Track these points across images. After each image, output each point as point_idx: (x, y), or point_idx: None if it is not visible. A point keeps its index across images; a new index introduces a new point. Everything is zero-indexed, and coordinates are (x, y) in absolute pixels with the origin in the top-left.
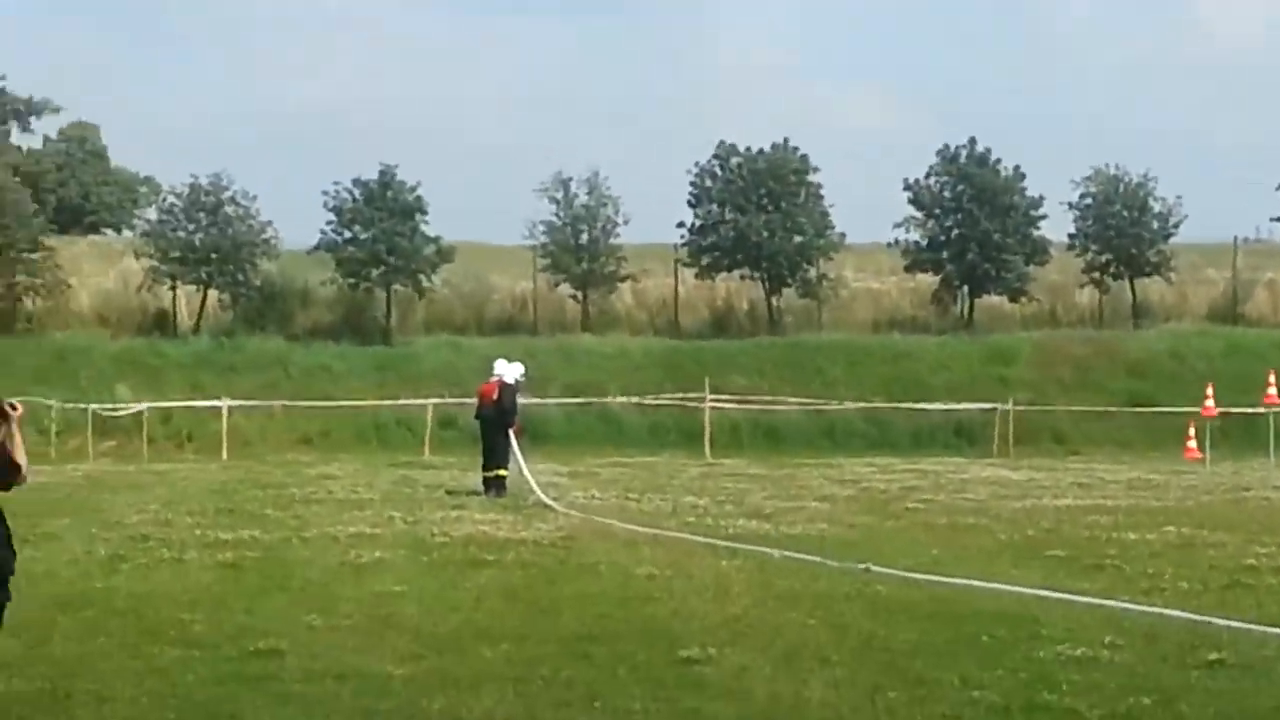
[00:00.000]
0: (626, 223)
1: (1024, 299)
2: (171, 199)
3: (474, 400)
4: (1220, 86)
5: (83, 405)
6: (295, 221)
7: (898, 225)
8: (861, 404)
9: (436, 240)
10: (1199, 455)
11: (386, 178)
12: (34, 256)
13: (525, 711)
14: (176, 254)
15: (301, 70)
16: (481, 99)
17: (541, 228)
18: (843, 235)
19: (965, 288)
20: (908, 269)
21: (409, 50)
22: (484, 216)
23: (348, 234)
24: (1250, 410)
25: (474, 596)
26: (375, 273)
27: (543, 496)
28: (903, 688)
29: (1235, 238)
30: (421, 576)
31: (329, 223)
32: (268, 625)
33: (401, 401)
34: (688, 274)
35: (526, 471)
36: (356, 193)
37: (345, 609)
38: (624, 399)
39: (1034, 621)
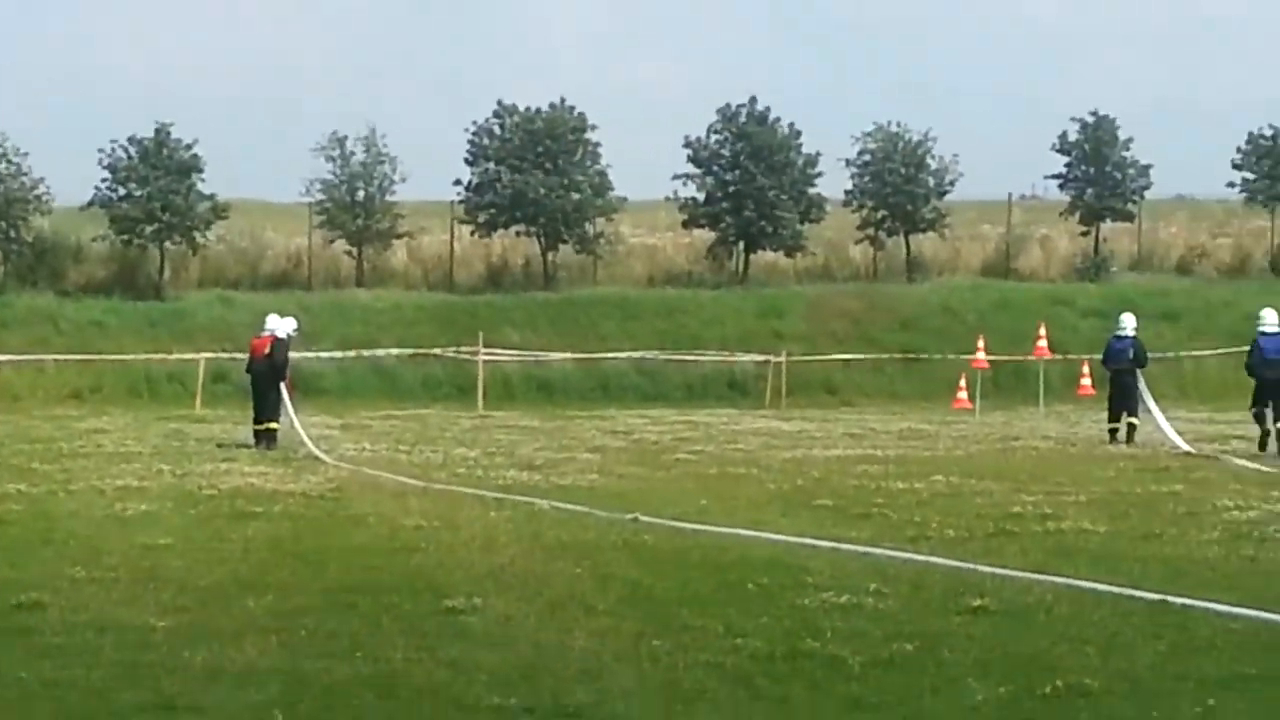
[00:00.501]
0: (404, 180)
1: (799, 255)
2: None
3: (246, 355)
4: (1001, 43)
5: None
6: (70, 179)
7: (676, 178)
8: (634, 355)
9: (211, 197)
10: (969, 405)
11: (162, 135)
12: None
13: (288, 662)
14: None
15: (78, 26)
16: (259, 56)
17: (318, 185)
18: (623, 199)
19: (741, 244)
20: (685, 225)
21: (185, 6)
22: (261, 174)
23: (122, 191)
24: (1021, 358)
25: (240, 549)
26: (149, 229)
27: (313, 448)
28: (667, 635)
29: (1010, 194)
30: (188, 529)
31: (104, 180)
32: (30, 578)
33: (174, 356)
34: (464, 231)
35: (297, 424)
36: (132, 150)
37: (109, 562)
38: (398, 351)
39: (800, 570)
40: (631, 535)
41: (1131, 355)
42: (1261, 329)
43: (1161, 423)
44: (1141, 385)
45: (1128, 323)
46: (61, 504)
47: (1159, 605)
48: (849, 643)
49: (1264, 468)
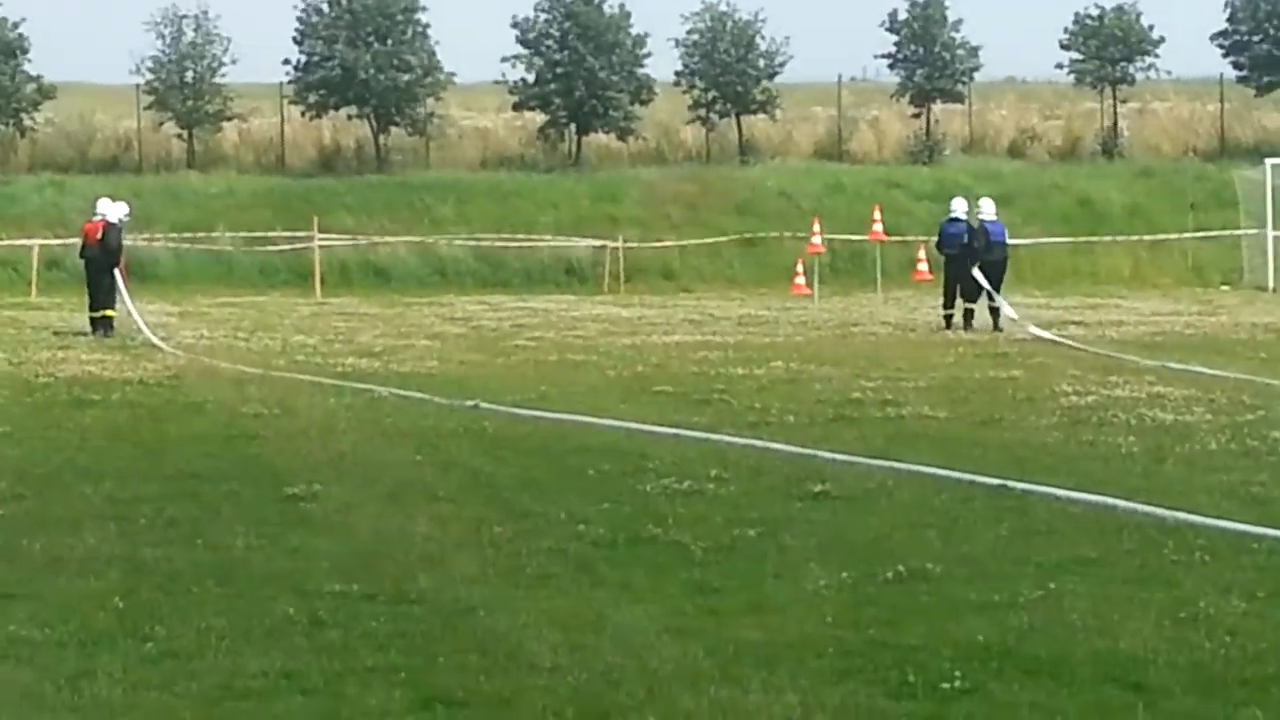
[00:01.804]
0: (235, 62)
1: (631, 137)
2: None
3: (78, 241)
4: None
5: None
6: None
7: (505, 60)
8: (471, 241)
9: (38, 79)
10: (807, 291)
11: None
12: None
13: (127, 549)
14: None
15: None
16: None
17: (148, 64)
18: (452, 75)
19: (573, 126)
20: (515, 107)
21: None
22: (90, 55)
23: None
24: (858, 239)
25: (78, 436)
26: None
27: (150, 335)
28: (509, 521)
29: (840, 76)
30: (25, 417)
31: None
32: None
33: (5, 242)
34: (295, 113)
35: (134, 311)
36: None
37: None
38: (232, 235)
39: (641, 456)
40: (472, 422)
41: (965, 240)
42: (952, 215)
43: (999, 302)
44: (975, 271)
45: (958, 206)
46: None
47: (999, 490)
48: (691, 528)
49: (1100, 351)
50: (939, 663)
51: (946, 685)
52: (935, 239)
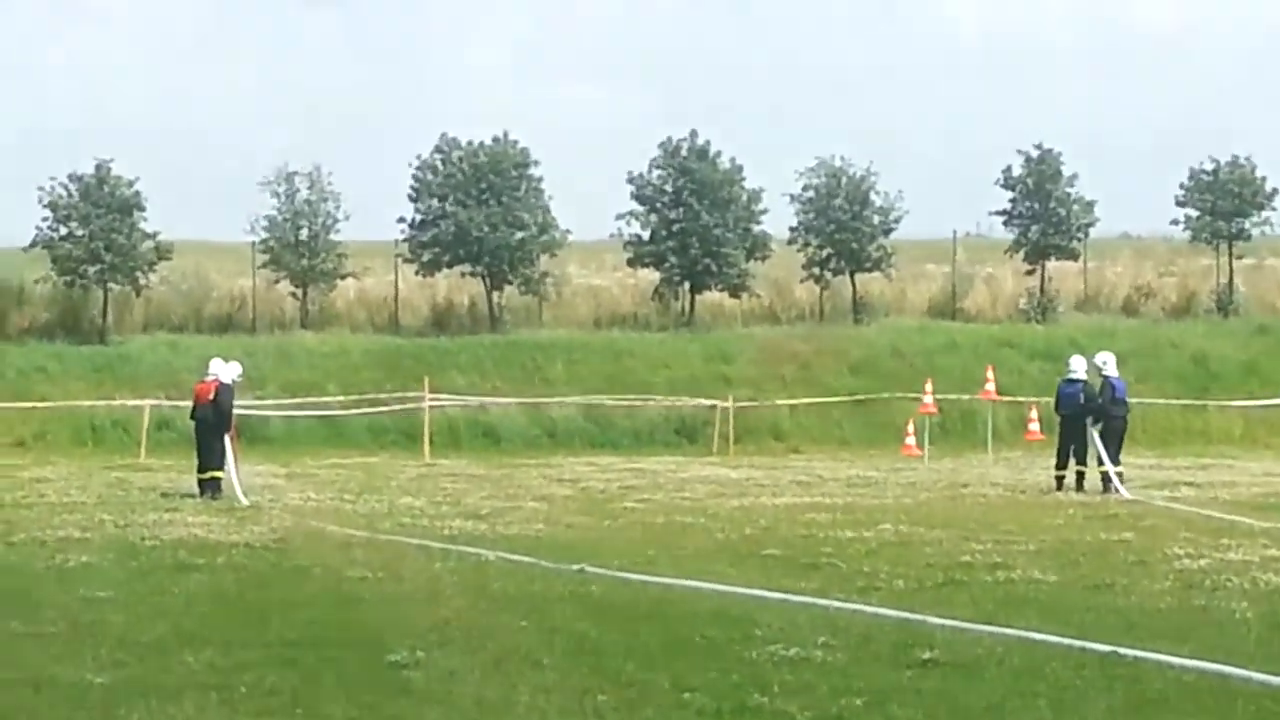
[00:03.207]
0: (348, 218)
1: (745, 294)
2: None
3: (190, 401)
4: (947, 82)
5: None
6: (11, 219)
7: (619, 217)
8: (580, 400)
9: (154, 236)
10: (918, 452)
11: (102, 173)
12: None
13: (227, 719)
14: None
15: (12, 58)
16: (202, 92)
17: (263, 223)
18: (567, 232)
19: (687, 284)
20: (630, 263)
21: (124, 40)
22: (205, 213)
23: (63, 230)
24: (969, 398)
25: (182, 601)
26: (92, 270)
27: (242, 498)
28: (613, 690)
29: (954, 232)
30: (129, 581)
31: (44, 219)
32: None
33: (118, 402)
34: (408, 271)
35: (233, 474)
36: (73, 188)
37: (49, 615)
38: (342, 398)
39: (748, 622)
40: (578, 586)
41: (1082, 400)
42: (1070, 375)
43: (1110, 469)
44: (1092, 432)
45: (1077, 366)
46: (1, 556)
47: (1111, 657)
48: (796, 697)
49: (1212, 513)
50: None
51: None
52: (1051, 399)
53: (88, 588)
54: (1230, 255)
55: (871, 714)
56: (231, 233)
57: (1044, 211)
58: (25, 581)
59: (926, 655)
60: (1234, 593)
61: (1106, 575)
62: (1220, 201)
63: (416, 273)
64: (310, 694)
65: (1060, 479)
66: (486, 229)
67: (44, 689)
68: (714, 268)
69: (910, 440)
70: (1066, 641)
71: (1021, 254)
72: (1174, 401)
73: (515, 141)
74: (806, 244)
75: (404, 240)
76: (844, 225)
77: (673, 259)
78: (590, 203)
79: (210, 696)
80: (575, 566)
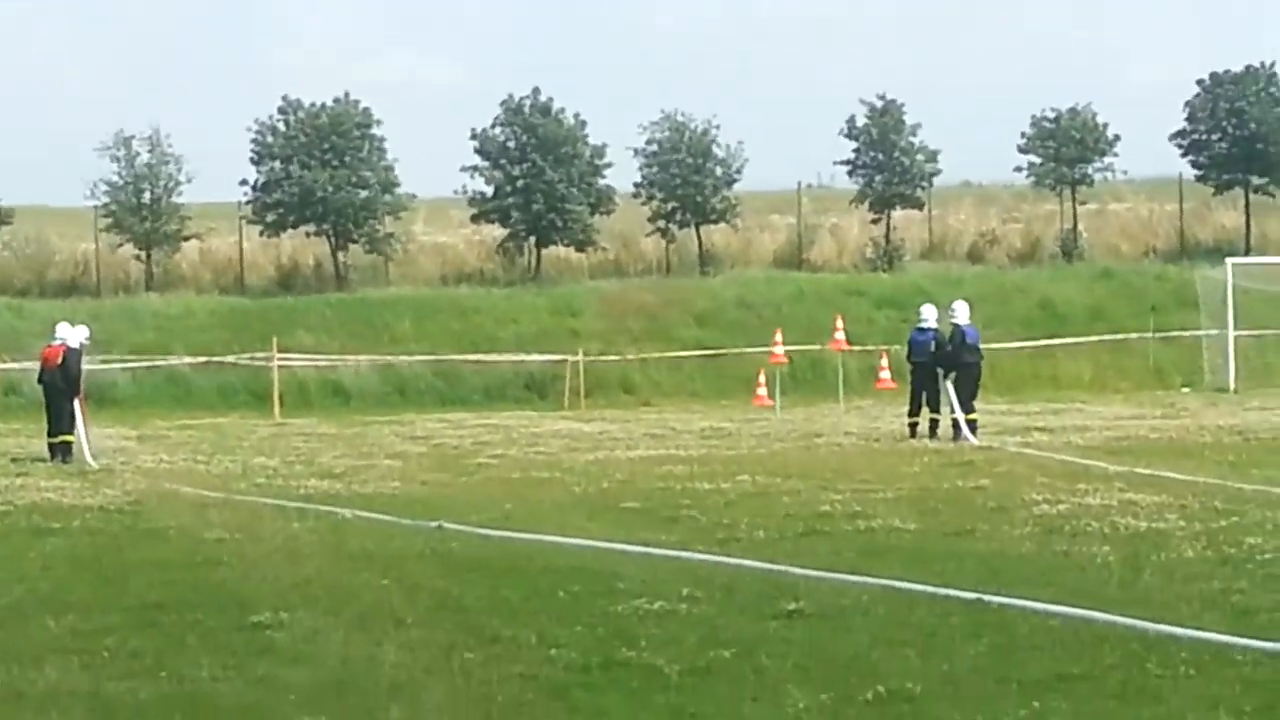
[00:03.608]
0: (190, 181)
1: (591, 249)
2: None
3: (37, 365)
4: (789, 33)
5: None
6: None
7: (464, 170)
8: (430, 357)
9: None
10: (769, 402)
11: None
12: None
13: (90, 684)
14: None
15: None
16: (41, 58)
17: (103, 187)
18: (412, 196)
19: (532, 239)
20: (474, 219)
21: None
22: (45, 177)
23: None
24: (818, 349)
25: (38, 566)
26: None
27: (91, 462)
28: (479, 647)
29: (799, 183)
30: None
31: None
32: None
33: None
34: (253, 232)
35: (84, 438)
36: None
37: None
38: (190, 359)
39: (611, 576)
40: (437, 543)
41: (933, 348)
42: (921, 324)
43: (960, 416)
44: (944, 381)
45: (929, 314)
46: None
47: (976, 604)
48: (665, 650)
49: (1068, 458)
50: None
51: None
52: (902, 347)
53: None
54: (1074, 201)
55: (741, 665)
56: (71, 198)
57: (888, 161)
58: None
59: (792, 606)
60: (1094, 537)
61: (967, 522)
62: (1063, 148)
63: (261, 233)
64: (174, 656)
65: (913, 426)
66: (330, 189)
67: None
68: (559, 223)
69: (762, 391)
70: (931, 589)
71: (866, 204)
72: (1023, 344)
73: (357, 102)
74: (651, 197)
75: (247, 202)
76: (687, 178)
77: (517, 214)
78: (434, 162)
79: (72, 661)
80: (433, 523)
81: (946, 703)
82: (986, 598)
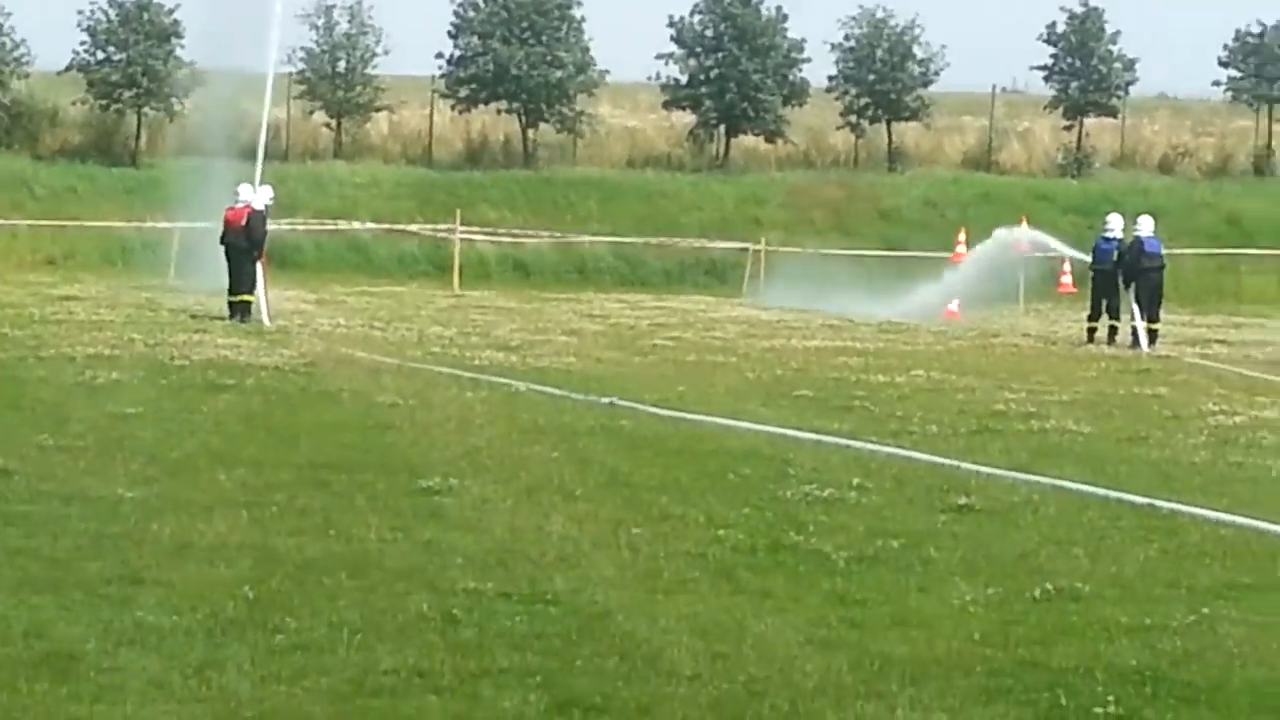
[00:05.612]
0: (387, 53)
1: (780, 140)
2: None
3: (220, 225)
4: None
5: None
6: (50, 42)
7: (659, 57)
8: (612, 239)
9: (191, 65)
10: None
11: (144, 0)
12: None
13: (258, 537)
14: None
15: None
16: None
17: (300, 54)
18: (605, 72)
19: (722, 127)
20: (665, 106)
21: None
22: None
23: (101, 55)
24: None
25: (211, 421)
26: (127, 94)
27: (268, 323)
28: (647, 523)
29: (994, 87)
30: (159, 399)
31: (82, 43)
32: None
33: (148, 224)
34: (444, 106)
35: (263, 299)
36: (112, 14)
37: (78, 429)
38: (373, 226)
39: (782, 461)
40: (609, 420)
41: (1115, 257)
42: (1106, 233)
43: (1139, 325)
44: (1125, 291)
45: (1114, 224)
46: (31, 370)
47: (1147, 509)
48: (832, 537)
49: (1246, 372)
50: (1091, 686)
51: (1100, 710)
52: (1085, 255)
53: (116, 404)
54: (1270, 117)
55: (908, 555)
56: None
57: (1085, 68)
58: (55, 395)
59: (962, 501)
60: (1269, 450)
61: (1141, 428)
62: (1266, 65)
63: (453, 108)
64: (342, 515)
65: (1092, 331)
66: (526, 67)
67: (74, 502)
68: (750, 112)
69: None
70: (1103, 492)
71: (1060, 110)
72: (1206, 252)
73: None
74: (845, 92)
75: (441, 76)
76: (884, 75)
77: (709, 102)
78: (626, 47)
79: (241, 514)
80: (606, 400)
81: (1114, 604)
82: (1158, 503)
